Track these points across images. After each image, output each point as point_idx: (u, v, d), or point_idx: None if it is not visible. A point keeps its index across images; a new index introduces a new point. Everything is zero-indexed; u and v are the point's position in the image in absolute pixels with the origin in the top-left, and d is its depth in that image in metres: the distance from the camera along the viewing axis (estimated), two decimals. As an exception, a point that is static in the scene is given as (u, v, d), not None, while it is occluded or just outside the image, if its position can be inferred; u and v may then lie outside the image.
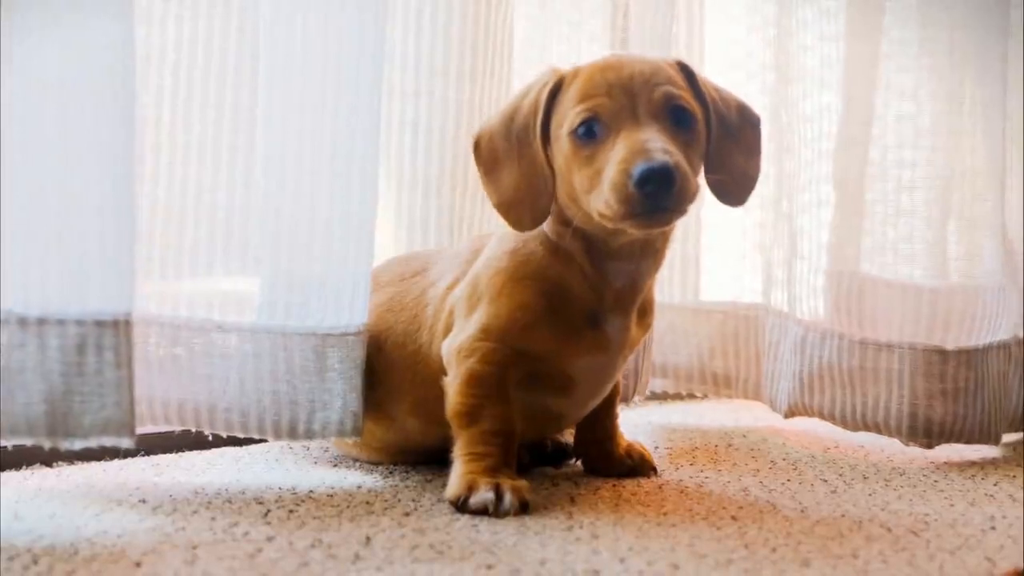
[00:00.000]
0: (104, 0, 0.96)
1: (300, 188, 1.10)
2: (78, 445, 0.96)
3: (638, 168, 0.95)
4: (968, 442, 1.36)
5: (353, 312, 1.12)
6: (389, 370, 1.15)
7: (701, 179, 1.06)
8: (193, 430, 1.13)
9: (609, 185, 0.98)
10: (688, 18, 1.54)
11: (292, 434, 1.12)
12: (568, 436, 1.27)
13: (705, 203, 1.60)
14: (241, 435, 1.13)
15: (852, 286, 1.42)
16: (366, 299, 1.13)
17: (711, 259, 1.62)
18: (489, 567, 0.85)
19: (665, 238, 1.10)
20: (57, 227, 0.95)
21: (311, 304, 1.11)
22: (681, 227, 1.56)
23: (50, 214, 0.95)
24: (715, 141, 1.07)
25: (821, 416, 1.41)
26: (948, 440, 1.36)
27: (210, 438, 1.18)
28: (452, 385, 1.08)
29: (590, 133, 1.01)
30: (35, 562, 0.84)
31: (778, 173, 1.49)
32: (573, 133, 1.02)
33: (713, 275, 1.62)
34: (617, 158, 0.98)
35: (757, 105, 1.51)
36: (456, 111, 1.33)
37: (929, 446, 1.36)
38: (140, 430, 1.22)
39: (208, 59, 1.13)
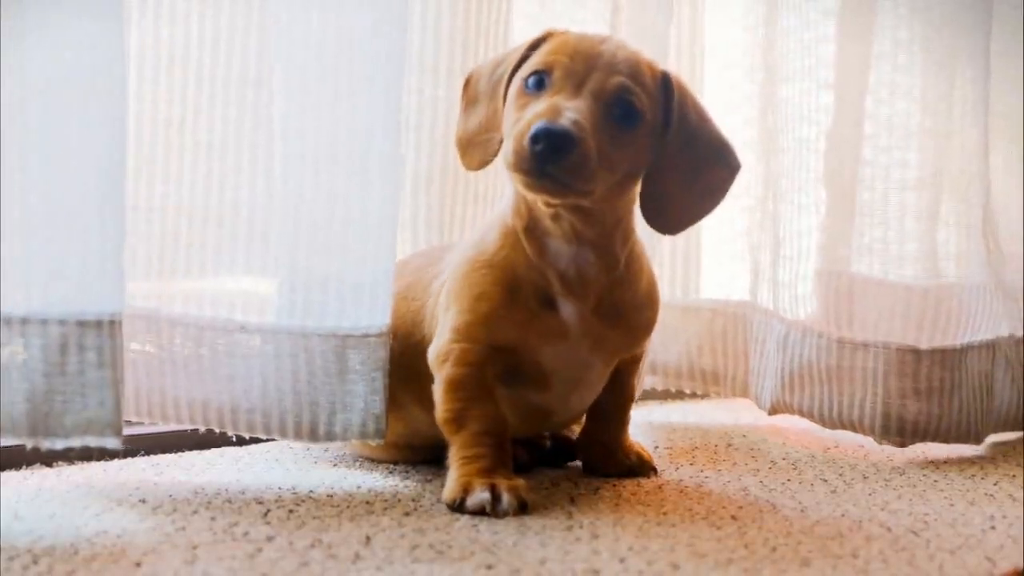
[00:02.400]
0: (92, 0, 0.96)
1: (319, 187, 1.10)
2: (60, 445, 0.95)
3: (537, 124, 0.97)
4: (945, 441, 1.36)
5: (374, 313, 1.12)
6: (399, 357, 1.14)
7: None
8: (217, 430, 1.13)
9: (515, 133, 0.99)
10: (679, 19, 1.53)
11: (313, 436, 1.12)
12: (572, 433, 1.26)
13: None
14: (264, 436, 1.13)
15: (831, 285, 1.42)
16: (388, 299, 1.13)
17: (705, 258, 1.61)
18: (489, 567, 0.85)
19: (610, 238, 1.08)
20: (42, 227, 0.95)
21: (330, 304, 1.11)
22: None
23: (35, 214, 0.95)
24: (669, 160, 1.06)
25: (801, 414, 1.42)
26: (923, 439, 1.36)
27: (233, 438, 1.18)
28: (437, 392, 1.08)
29: (539, 84, 1.03)
30: (35, 562, 0.84)
31: (765, 172, 1.49)
32: (523, 80, 1.04)
33: (705, 273, 1.61)
34: (534, 111, 1.00)
35: (755, 105, 1.52)
36: (446, 109, 1.32)
37: (902, 445, 1.36)
38: (145, 430, 1.23)
39: (230, 57, 1.13)
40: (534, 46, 1.07)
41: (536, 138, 0.96)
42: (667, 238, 1.55)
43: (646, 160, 1.06)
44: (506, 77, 1.07)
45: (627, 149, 1.03)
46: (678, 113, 1.06)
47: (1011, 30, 1.51)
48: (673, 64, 1.51)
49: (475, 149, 1.10)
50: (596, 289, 1.08)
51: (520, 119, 1.01)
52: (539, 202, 1.05)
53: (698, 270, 1.60)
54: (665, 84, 1.07)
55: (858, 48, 1.43)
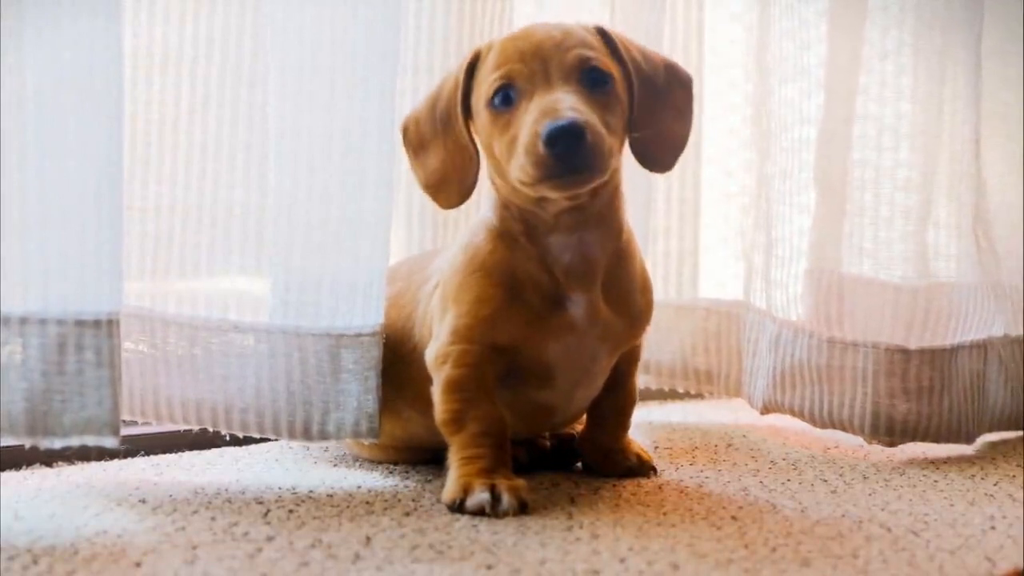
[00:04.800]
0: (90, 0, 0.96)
1: (313, 186, 1.11)
2: (58, 444, 0.96)
3: (545, 128, 0.96)
4: (935, 441, 1.36)
5: (367, 312, 1.12)
6: (393, 364, 1.15)
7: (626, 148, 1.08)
8: (211, 429, 1.13)
9: (523, 149, 0.99)
10: (676, 17, 1.53)
11: (307, 435, 1.12)
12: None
13: (703, 202, 1.61)
14: (257, 435, 1.13)
15: (822, 284, 1.42)
16: (381, 299, 1.13)
17: (700, 257, 1.61)
18: (489, 567, 0.85)
19: (611, 206, 1.09)
20: (40, 227, 0.95)
21: (324, 304, 1.12)
22: (667, 224, 1.56)
23: (33, 214, 0.95)
24: (639, 101, 1.07)
25: (792, 413, 1.42)
26: (912, 439, 1.35)
27: (227, 437, 1.18)
28: (435, 393, 1.08)
29: (506, 100, 1.02)
30: (35, 562, 0.84)
31: (759, 171, 1.49)
32: (490, 103, 1.03)
33: (700, 272, 1.61)
34: (529, 120, 0.99)
35: (752, 104, 1.52)
36: None
37: (892, 444, 1.36)
38: (145, 430, 1.23)
39: (224, 57, 1.14)
40: (470, 69, 1.07)
41: (552, 140, 0.96)
42: (660, 239, 1.56)
43: (627, 113, 1.07)
44: (457, 107, 1.06)
45: (615, 110, 1.04)
46: (627, 57, 1.08)
47: (1005, 28, 1.50)
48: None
49: (448, 187, 1.09)
50: (601, 269, 1.09)
51: (515, 138, 1.00)
52: (560, 200, 1.04)
53: (693, 270, 1.60)
54: (604, 36, 1.08)
55: (849, 47, 1.43)
